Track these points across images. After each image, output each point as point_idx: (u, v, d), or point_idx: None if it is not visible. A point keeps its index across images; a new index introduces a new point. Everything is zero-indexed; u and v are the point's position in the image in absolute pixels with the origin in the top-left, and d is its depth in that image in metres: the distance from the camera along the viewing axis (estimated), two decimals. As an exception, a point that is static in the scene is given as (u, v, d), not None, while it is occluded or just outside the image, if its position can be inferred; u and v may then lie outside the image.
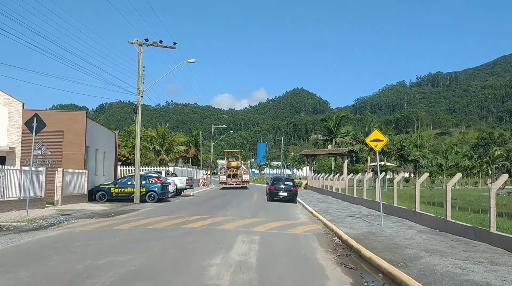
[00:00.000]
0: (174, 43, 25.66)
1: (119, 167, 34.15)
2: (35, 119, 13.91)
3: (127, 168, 35.66)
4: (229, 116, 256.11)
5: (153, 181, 25.15)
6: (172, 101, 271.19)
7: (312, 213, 18.39)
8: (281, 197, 25.60)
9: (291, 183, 26.66)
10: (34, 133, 13.95)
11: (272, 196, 26.08)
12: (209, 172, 53.17)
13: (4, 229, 12.41)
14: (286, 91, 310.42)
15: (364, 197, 22.54)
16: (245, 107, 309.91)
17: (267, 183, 32.94)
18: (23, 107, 23.62)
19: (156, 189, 24.85)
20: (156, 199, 24.67)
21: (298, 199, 26.13)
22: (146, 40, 25.07)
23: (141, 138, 44.57)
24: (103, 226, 13.15)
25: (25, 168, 17.99)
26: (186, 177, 33.62)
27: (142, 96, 25.43)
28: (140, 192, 24.55)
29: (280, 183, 26.57)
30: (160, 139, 48.55)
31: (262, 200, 27.24)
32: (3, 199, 16.27)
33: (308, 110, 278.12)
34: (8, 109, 23.03)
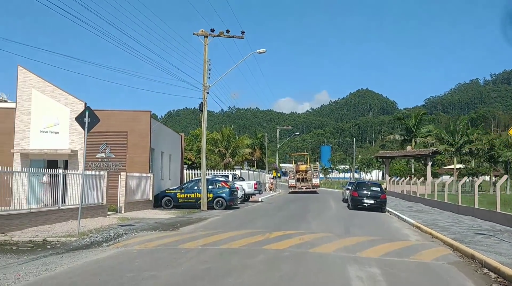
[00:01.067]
0: (242, 33, 22.92)
1: (185, 171, 32.17)
2: (86, 113, 11.63)
3: (193, 171, 33.64)
4: (291, 119, 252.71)
5: (221, 186, 22.56)
6: (234, 106, 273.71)
7: (419, 228, 14.54)
8: (366, 205, 21.79)
9: (378, 189, 22.73)
10: (86, 129, 11.68)
11: (356, 203, 22.35)
12: (274, 176, 50.33)
13: (48, 246, 10.11)
14: (350, 93, 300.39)
15: (476, 206, 18.15)
16: (307, 110, 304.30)
17: (346, 188, 29.17)
18: (85, 107, 22.09)
19: (224, 194, 22.23)
20: (224, 206, 22.03)
21: (387, 207, 22.17)
22: (212, 30, 22.56)
23: (206, 140, 42.75)
24: (166, 243, 10.44)
25: (86, 172, 16.01)
26: (255, 182, 30.78)
27: (208, 93, 22.98)
28: (207, 198, 22.08)
29: (365, 188, 22.74)
30: (225, 142, 46.44)
31: (342, 209, 23.59)
32: (57, 208, 14.30)
33: (374, 111, 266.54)
34: (69, 110, 21.57)
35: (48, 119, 21.66)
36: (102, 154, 21.89)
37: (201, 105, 22.97)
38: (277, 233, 11.96)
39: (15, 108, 21.62)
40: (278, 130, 69.23)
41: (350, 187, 26.23)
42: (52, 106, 21.62)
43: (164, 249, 9.65)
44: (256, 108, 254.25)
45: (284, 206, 26.07)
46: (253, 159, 57.82)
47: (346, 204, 25.71)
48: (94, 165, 21.63)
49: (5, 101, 25.31)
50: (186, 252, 9.16)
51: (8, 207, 12.20)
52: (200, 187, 22.40)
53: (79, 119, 11.77)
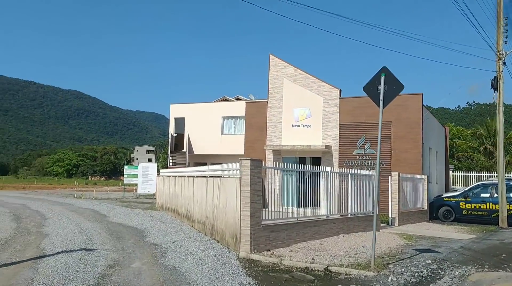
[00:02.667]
0: None
1: (450, 172, 25.35)
2: (382, 77, 7.31)
3: (462, 174, 26.28)
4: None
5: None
6: None
7: None
8: None
9: None
10: (381, 103, 7.36)
11: None
12: None
13: (332, 280, 6.14)
14: None
15: None
16: None
17: None
18: (339, 94, 18.56)
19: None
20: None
21: None
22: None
23: (476, 137, 33.86)
24: None
25: (359, 171, 12.05)
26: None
27: (504, 63, 16.07)
28: (508, 211, 15.24)
29: None
30: (491, 137, 36.47)
31: None
32: (325, 217, 10.62)
33: None
34: (322, 99, 18.42)
35: (300, 111, 19.09)
36: (361, 151, 17.88)
37: (495, 81, 16.20)
38: None
39: (267, 101, 19.94)
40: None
41: None
42: (304, 96, 18.95)
43: None
44: None
45: None
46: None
47: None
48: (351, 163, 17.82)
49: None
50: None
51: (276, 217, 9.09)
52: (495, 195, 15.76)
53: (370, 88, 7.54)
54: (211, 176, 11.09)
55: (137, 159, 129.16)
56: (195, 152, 25.43)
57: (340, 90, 18.46)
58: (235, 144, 22.97)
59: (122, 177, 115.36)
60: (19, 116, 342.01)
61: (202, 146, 25.25)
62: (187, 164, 23.81)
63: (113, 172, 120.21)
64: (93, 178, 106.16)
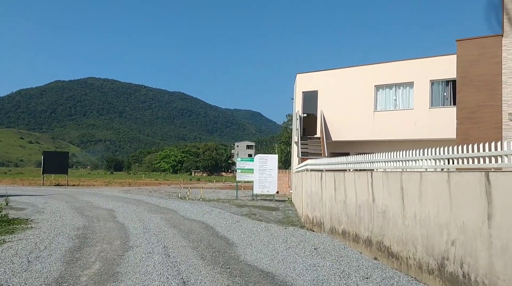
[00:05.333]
0: None
1: None
2: None
3: None
4: None
5: None
6: None
7: None
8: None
9: None
10: None
11: None
12: None
13: None
14: None
15: None
16: None
17: None
18: None
19: None
20: None
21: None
22: None
23: None
24: None
25: None
26: None
27: None
28: None
29: None
30: None
31: None
32: None
33: None
34: None
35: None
36: None
37: None
38: None
39: (501, 36, 11.54)
40: None
41: None
42: None
43: None
44: None
45: None
46: None
47: None
48: None
49: None
50: None
51: None
52: None
53: None
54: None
55: (237, 154, 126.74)
56: (333, 138, 17.99)
57: None
58: (396, 124, 15.16)
59: (223, 173, 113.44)
60: (132, 117, 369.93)
61: (342, 130, 17.70)
62: (326, 154, 16.42)
63: (215, 168, 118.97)
64: (196, 174, 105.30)
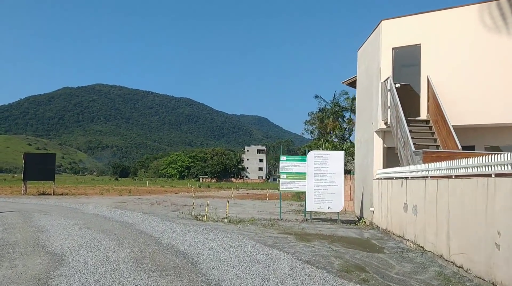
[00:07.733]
0: None
1: None
2: None
3: None
4: None
5: None
6: None
7: None
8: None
9: None
10: None
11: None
12: None
13: None
14: None
15: None
16: None
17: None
18: None
19: None
20: None
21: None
22: None
23: None
24: None
25: None
26: None
27: None
28: None
29: None
30: None
31: None
32: None
33: None
34: None
35: None
36: None
37: None
38: None
39: None
40: None
41: None
42: None
43: None
44: None
45: None
46: None
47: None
48: None
49: None
50: None
51: None
52: None
53: None
54: None
55: (247, 159, 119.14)
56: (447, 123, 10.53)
57: None
58: None
59: (233, 179, 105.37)
60: (139, 123, 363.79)
61: (462, 110, 10.36)
62: (459, 146, 9.02)
63: (224, 174, 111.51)
64: (204, 180, 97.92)
